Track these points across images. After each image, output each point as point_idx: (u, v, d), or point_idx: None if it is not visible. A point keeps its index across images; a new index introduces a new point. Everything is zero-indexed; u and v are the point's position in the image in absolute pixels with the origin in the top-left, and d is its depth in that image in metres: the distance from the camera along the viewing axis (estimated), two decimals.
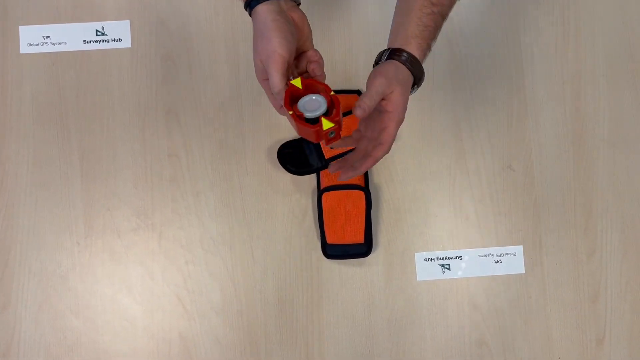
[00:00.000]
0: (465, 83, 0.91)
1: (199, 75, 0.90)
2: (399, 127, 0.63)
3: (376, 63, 0.67)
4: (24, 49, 0.91)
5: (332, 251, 0.86)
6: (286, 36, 0.60)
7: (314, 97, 0.60)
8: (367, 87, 0.62)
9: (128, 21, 0.91)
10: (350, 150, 0.84)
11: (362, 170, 0.64)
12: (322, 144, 0.85)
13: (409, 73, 0.64)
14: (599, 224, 0.88)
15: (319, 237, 0.87)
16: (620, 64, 0.91)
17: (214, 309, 0.87)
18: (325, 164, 0.85)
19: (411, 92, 0.66)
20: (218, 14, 0.92)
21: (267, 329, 0.86)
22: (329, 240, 0.85)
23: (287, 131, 0.89)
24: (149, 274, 0.87)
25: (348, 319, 0.87)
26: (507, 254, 0.88)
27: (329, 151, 0.84)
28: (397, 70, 0.63)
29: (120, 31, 0.91)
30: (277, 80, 0.59)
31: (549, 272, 0.88)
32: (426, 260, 0.88)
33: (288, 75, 0.61)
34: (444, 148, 0.90)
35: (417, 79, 0.66)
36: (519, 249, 0.88)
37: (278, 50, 0.59)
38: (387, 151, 0.63)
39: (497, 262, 0.88)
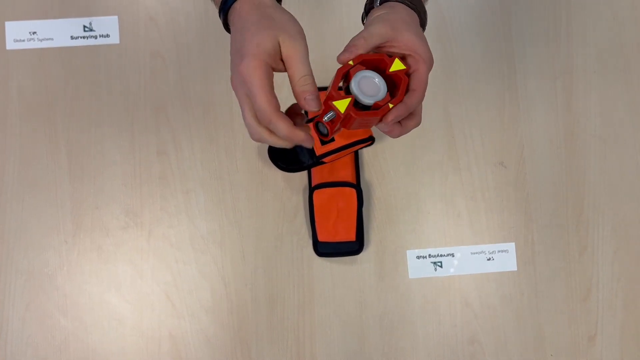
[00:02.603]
0: (456, 80, 0.90)
1: (189, 72, 0.89)
2: (430, 68, 0.54)
3: (366, 13, 0.58)
4: (10, 45, 0.89)
5: (324, 249, 0.85)
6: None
7: (367, 75, 0.53)
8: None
9: (116, 17, 0.90)
10: (344, 147, 0.84)
11: (403, 131, 0.54)
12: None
13: (411, 11, 0.56)
14: (591, 221, 0.88)
15: (310, 235, 0.86)
16: (611, 59, 0.91)
17: (204, 308, 0.86)
18: (316, 160, 0.84)
19: None
20: (207, 9, 0.91)
21: (257, 327, 0.86)
22: (321, 238, 0.85)
23: None
24: (138, 272, 0.86)
25: (339, 317, 0.86)
26: (499, 251, 0.87)
27: (320, 148, 0.84)
28: (396, 12, 0.55)
29: (108, 27, 0.90)
30: (264, 96, 0.48)
31: (541, 269, 0.87)
32: (418, 257, 0.87)
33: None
34: (436, 145, 0.89)
35: (421, 18, 0.57)
36: (511, 246, 0.88)
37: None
38: (422, 98, 0.54)
39: (489, 259, 0.87)
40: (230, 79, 0.51)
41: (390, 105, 0.53)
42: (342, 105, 0.52)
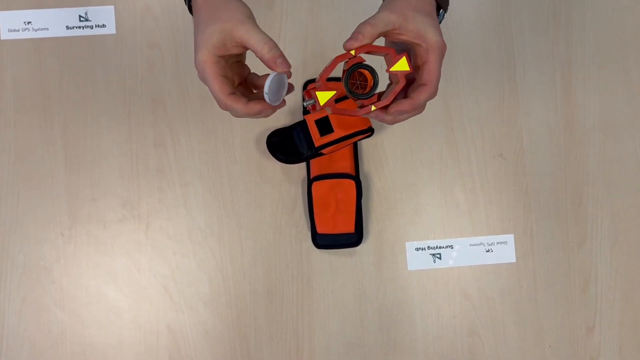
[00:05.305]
0: (456, 71, 0.90)
1: (186, 62, 0.88)
2: (442, 58, 0.53)
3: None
4: (4, 35, 0.88)
5: (323, 241, 0.85)
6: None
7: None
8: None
9: (112, 7, 0.89)
10: (343, 138, 0.83)
11: (398, 119, 0.54)
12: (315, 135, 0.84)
13: None
14: (590, 213, 0.88)
15: (309, 227, 0.86)
16: (610, 51, 0.91)
17: (202, 301, 0.85)
18: (315, 152, 0.84)
19: (439, 18, 0.57)
20: None
21: (256, 320, 0.85)
22: (319, 230, 0.84)
23: (276, 119, 0.88)
24: (135, 265, 0.86)
25: (338, 309, 0.86)
26: (498, 242, 0.87)
27: (318, 139, 0.83)
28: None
29: (104, 17, 0.89)
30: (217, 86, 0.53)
31: (540, 261, 0.87)
32: (417, 249, 0.87)
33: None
34: (435, 137, 0.89)
35: (442, 2, 0.57)
36: (509, 237, 0.87)
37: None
38: (434, 93, 0.53)
39: (488, 251, 0.87)
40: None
41: (373, 108, 0.52)
42: (323, 97, 0.53)
